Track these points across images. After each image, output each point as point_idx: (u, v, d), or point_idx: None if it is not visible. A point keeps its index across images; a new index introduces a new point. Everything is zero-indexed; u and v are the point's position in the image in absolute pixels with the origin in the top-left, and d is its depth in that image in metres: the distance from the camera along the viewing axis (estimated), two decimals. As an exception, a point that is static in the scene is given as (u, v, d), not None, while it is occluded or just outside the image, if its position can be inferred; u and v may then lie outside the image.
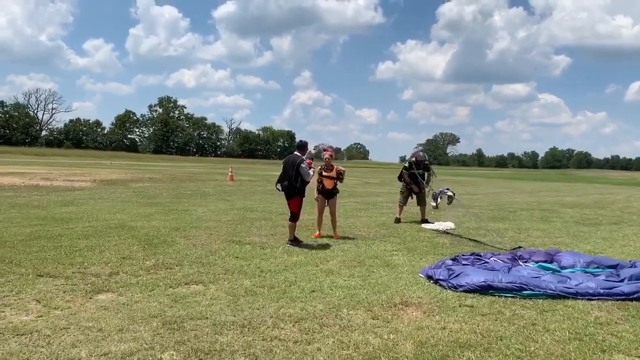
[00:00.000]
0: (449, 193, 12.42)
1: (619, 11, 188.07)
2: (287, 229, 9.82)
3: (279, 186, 9.87)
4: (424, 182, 13.49)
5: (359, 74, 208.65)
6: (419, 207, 13.63)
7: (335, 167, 10.69)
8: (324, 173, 10.60)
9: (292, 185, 9.55)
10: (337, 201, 10.99)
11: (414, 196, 13.60)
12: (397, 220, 13.32)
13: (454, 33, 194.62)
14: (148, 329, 4.96)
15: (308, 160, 9.74)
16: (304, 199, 9.82)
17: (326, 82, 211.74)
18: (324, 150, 11.10)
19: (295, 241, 9.63)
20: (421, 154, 14.11)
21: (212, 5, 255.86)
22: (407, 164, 13.91)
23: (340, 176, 10.68)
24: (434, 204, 12.98)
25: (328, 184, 10.58)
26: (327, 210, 10.69)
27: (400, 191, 13.82)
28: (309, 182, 9.71)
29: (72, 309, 5.50)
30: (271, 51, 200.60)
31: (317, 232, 10.74)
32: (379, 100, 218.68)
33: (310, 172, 9.67)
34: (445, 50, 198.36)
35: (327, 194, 10.61)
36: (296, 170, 9.51)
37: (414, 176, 13.46)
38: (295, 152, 9.89)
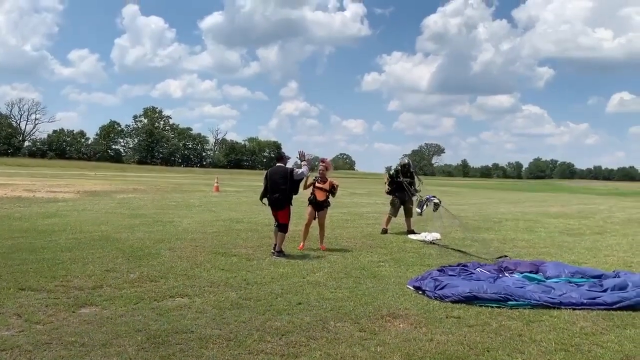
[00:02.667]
0: (435, 200, 12.40)
1: (600, 24, 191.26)
2: (276, 240, 9.69)
3: (265, 200, 9.82)
4: (412, 190, 13.36)
5: (345, 85, 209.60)
6: (405, 218, 13.57)
7: (329, 180, 10.62)
8: (317, 184, 10.54)
9: (286, 196, 9.58)
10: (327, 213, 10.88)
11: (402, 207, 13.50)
12: (384, 231, 13.26)
13: (439, 45, 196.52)
14: (132, 344, 4.88)
15: (301, 165, 9.89)
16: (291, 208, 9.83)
17: (313, 92, 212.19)
18: (321, 161, 10.98)
19: (281, 252, 9.57)
20: (406, 160, 13.99)
21: (198, 16, 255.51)
22: (392, 172, 13.81)
23: (333, 190, 10.61)
24: (419, 211, 12.93)
25: (320, 196, 10.51)
26: (315, 221, 10.62)
27: (391, 202, 13.66)
28: (302, 178, 9.78)
29: (54, 324, 5.40)
30: (258, 62, 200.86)
31: (302, 244, 10.58)
32: (365, 111, 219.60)
33: (304, 169, 9.81)
34: (431, 62, 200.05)
35: (318, 206, 10.52)
36: (291, 180, 9.54)
37: (401, 185, 13.40)
38: (278, 164, 9.90)
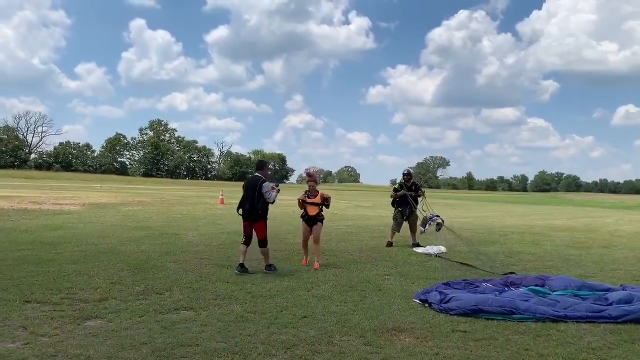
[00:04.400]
0: (439, 220, 12.29)
1: (605, 37, 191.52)
2: (241, 256, 9.31)
3: (240, 211, 9.47)
4: (416, 204, 13.31)
5: (350, 98, 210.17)
6: (410, 232, 13.53)
7: (320, 193, 10.24)
8: (308, 200, 10.14)
9: (255, 208, 9.17)
10: (322, 229, 10.32)
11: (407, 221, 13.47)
12: (389, 244, 13.24)
13: (444, 58, 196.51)
14: (138, 357, 4.88)
15: (272, 186, 9.31)
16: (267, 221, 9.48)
17: (318, 106, 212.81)
18: (308, 175, 10.60)
19: (271, 267, 9.35)
20: (409, 170, 13.93)
21: (204, 30, 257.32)
22: (397, 186, 13.85)
23: (326, 203, 10.17)
24: (423, 230, 12.88)
25: (312, 211, 10.10)
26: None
27: (394, 218, 13.62)
28: (272, 203, 9.28)
29: (60, 337, 5.41)
30: (263, 75, 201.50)
31: (305, 259, 10.37)
32: (370, 124, 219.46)
33: (274, 194, 9.25)
34: (436, 75, 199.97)
35: (311, 221, 10.12)
36: (258, 192, 9.13)
37: (405, 199, 13.37)
38: (256, 174, 9.53)
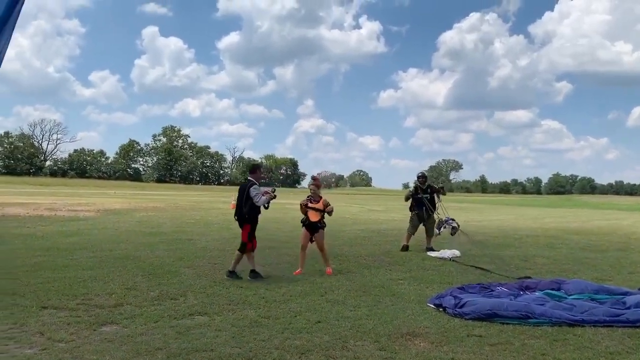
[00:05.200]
0: (454, 224, 12.15)
1: (619, 37, 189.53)
2: (241, 261, 9.25)
3: (236, 216, 9.41)
4: (433, 208, 13.16)
5: (362, 102, 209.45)
6: (426, 235, 13.34)
7: (322, 198, 9.79)
8: (310, 204, 9.71)
9: (241, 211, 9.13)
10: (325, 235, 9.91)
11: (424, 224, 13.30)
12: (405, 248, 13.08)
13: (455, 61, 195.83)
14: (153, 362, 4.90)
15: (265, 189, 9.22)
16: (256, 226, 9.35)
17: (329, 110, 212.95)
18: (312, 178, 10.20)
19: (232, 273, 9.13)
20: (424, 172, 13.80)
21: (216, 36, 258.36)
22: (412, 189, 13.72)
23: (327, 209, 9.73)
24: (437, 232, 12.81)
25: (313, 217, 9.63)
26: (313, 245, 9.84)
27: (410, 219, 13.48)
28: (260, 206, 9.14)
29: (76, 342, 5.45)
30: (274, 80, 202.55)
31: (299, 269, 9.70)
32: (381, 128, 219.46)
33: (263, 197, 9.04)
34: (447, 78, 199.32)
35: (313, 228, 9.69)
36: (246, 196, 9.06)
37: (420, 201, 13.26)
38: (248, 177, 9.43)
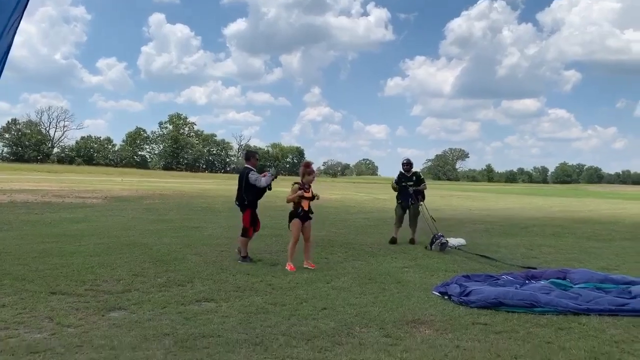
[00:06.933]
0: (443, 240, 11.57)
1: (629, 25, 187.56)
2: (240, 245, 9.53)
3: (237, 202, 9.74)
4: (417, 197, 12.39)
5: (368, 90, 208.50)
6: (410, 226, 12.52)
7: (311, 187, 9.39)
8: (305, 194, 9.21)
9: (242, 198, 9.48)
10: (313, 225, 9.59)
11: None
12: (393, 240, 12.25)
13: (463, 49, 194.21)
14: (160, 347, 4.96)
15: (265, 174, 9.47)
16: (256, 210, 9.67)
17: (336, 98, 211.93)
18: (305, 166, 9.49)
19: (245, 258, 9.38)
20: (409, 159, 12.75)
21: (222, 24, 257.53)
22: (396, 177, 12.88)
23: (315, 197, 9.35)
24: (430, 248, 11.54)
25: (306, 206, 9.24)
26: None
27: (395, 210, 12.77)
28: (264, 186, 9.35)
29: (84, 327, 5.51)
30: (281, 68, 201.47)
31: (290, 264, 8.96)
32: (388, 116, 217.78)
33: (263, 179, 9.32)
34: (454, 66, 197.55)
35: (305, 217, 9.25)
36: (245, 182, 9.38)
37: (405, 190, 12.50)
38: (245, 165, 9.74)
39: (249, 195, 9.44)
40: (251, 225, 9.56)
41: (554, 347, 5.30)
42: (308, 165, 9.51)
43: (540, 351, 5.16)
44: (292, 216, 9.24)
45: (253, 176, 9.36)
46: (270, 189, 9.55)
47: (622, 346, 5.36)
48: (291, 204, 9.29)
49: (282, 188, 10.73)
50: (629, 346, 5.36)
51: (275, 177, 9.64)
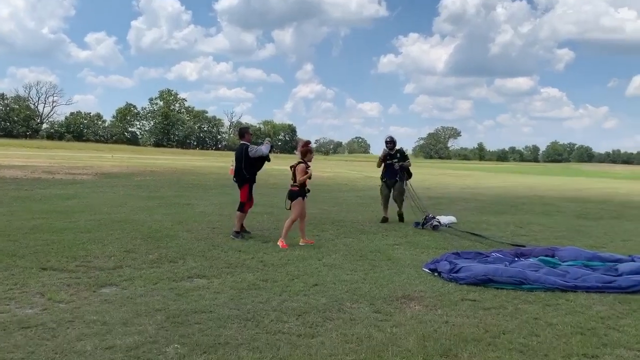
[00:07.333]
0: (435, 223, 11.57)
1: (623, 3, 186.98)
2: (236, 220, 9.68)
3: (234, 178, 9.88)
4: (402, 174, 12.23)
5: (361, 67, 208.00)
6: (395, 201, 12.40)
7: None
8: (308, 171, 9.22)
9: (242, 174, 9.63)
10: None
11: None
12: (385, 220, 12.21)
13: (457, 26, 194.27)
14: (152, 323, 4.98)
15: (264, 144, 9.78)
16: (254, 185, 9.89)
17: (328, 75, 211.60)
18: (306, 144, 9.53)
19: (238, 234, 9.47)
20: (392, 137, 12.51)
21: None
22: (381, 155, 12.67)
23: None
24: (420, 227, 11.54)
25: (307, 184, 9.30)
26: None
27: (380, 191, 12.70)
28: (266, 154, 9.66)
29: (76, 303, 5.52)
30: (273, 44, 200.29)
31: (283, 241, 8.93)
32: (380, 94, 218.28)
33: (263, 147, 9.68)
34: (448, 44, 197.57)
35: (305, 195, 9.27)
36: (245, 158, 9.52)
37: (390, 168, 12.35)
38: (241, 142, 9.88)
39: (249, 170, 9.62)
40: (248, 200, 9.73)
41: (542, 322, 5.39)
42: (308, 143, 9.58)
43: (528, 327, 5.24)
44: (296, 195, 9.10)
45: (253, 149, 9.54)
46: (269, 159, 9.84)
47: (607, 322, 5.45)
48: (289, 183, 9.32)
49: (277, 166, 10.74)
50: (615, 322, 5.46)
51: (273, 147, 9.76)
